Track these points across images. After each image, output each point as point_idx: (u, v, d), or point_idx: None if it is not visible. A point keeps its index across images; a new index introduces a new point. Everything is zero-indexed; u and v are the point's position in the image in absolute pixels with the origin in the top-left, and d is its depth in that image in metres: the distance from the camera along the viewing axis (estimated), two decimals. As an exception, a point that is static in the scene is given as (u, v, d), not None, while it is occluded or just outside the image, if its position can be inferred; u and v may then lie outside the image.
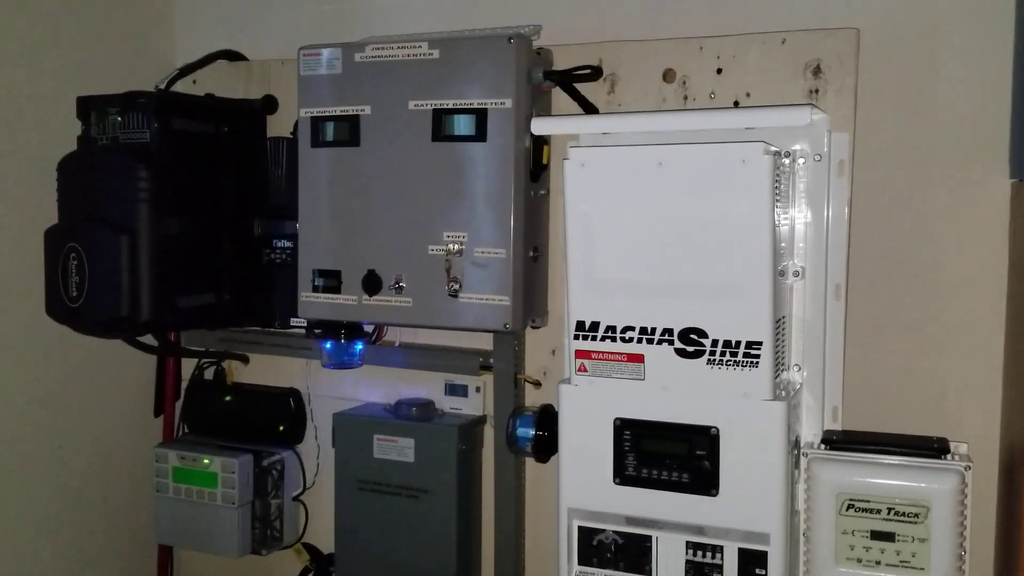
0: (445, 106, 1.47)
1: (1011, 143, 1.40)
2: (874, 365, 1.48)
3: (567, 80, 1.53)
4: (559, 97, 1.56)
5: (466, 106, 1.46)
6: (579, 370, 1.31)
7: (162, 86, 1.76)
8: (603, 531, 1.33)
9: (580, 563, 1.34)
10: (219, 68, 1.84)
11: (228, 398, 1.87)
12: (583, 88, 1.54)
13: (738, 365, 1.22)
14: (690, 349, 1.24)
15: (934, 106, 1.44)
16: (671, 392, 1.26)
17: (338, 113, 1.54)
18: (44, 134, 1.68)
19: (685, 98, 1.52)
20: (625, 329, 1.27)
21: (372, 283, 1.53)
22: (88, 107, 1.62)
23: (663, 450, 1.28)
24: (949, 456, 1.25)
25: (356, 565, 1.69)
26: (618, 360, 1.28)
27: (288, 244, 1.72)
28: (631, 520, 1.31)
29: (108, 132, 1.60)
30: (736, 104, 1.48)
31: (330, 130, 1.55)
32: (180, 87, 1.81)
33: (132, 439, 1.91)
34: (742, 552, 1.26)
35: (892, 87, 1.46)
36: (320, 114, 1.55)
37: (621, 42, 1.56)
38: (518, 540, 1.64)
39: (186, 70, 1.80)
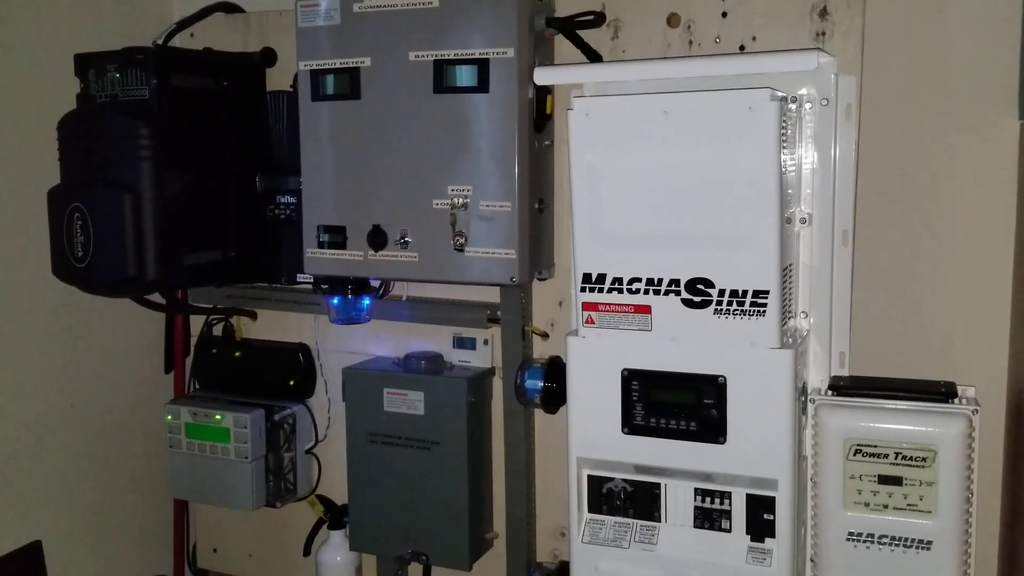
0: (446, 57, 1.45)
1: (1020, 84, 1.38)
2: (881, 310, 1.48)
3: (570, 27, 1.50)
4: (562, 44, 1.54)
5: (468, 56, 1.44)
6: (586, 322, 1.31)
7: (160, 41, 1.74)
8: (612, 479, 1.34)
9: (590, 511, 1.36)
10: (216, 21, 1.81)
11: (238, 354, 1.88)
12: (586, 35, 1.51)
13: (745, 314, 1.22)
14: (697, 299, 1.24)
15: (942, 47, 1.42)
16: (678, 342, 1.26)
17: (338, 66, 1.52)
18: (43, 92, 1.66)
19: (690, 43, 1.49)
20: (632, 280, 1.27)
21: (378, 238, 1.52)
22: (86, 64, 1.61)
23: (671, 400, 1.28)
24: (956, 400, 1.26)
25: (370, 515, 1.71)
26: (625, 311, 1.28)
27: (292, 200, 1.71)
28: (640, 468, 1.33)
29: (107, 89, 1.59)
30: (742, 48, 1.46)
31: (330, 83, 1.53)
32: (178, 41, 1.79)
33: (144, 396, 1.93)
34: (750, 498, 1.28)
35: (899, 28, 1.43)
36: (320, 67, 1.53)
37: (624, -14, 1.53)
38: (528, 489, 1.66)
39: (183, 24, 1.78)
